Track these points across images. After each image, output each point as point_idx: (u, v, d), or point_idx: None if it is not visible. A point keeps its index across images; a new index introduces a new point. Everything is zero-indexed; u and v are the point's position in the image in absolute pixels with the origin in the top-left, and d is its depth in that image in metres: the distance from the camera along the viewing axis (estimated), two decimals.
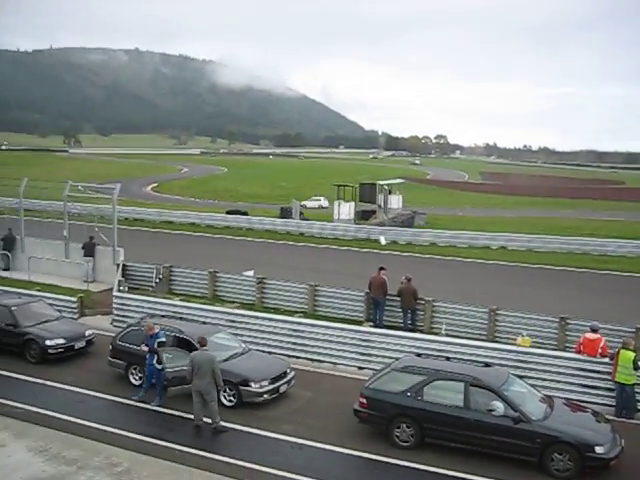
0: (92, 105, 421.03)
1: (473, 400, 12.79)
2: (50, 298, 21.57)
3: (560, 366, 15.87)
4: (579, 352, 16.18)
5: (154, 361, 14.93)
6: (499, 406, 12.46)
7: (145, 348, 15.15)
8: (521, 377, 14.65)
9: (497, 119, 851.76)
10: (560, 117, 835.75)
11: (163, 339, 15.24)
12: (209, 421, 13.70)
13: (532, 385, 14.27)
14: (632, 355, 14.68)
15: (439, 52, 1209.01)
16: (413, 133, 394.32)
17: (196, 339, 14.71)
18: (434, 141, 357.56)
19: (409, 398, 13.21)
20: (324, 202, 67.34)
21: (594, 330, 16.23)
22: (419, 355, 15.09)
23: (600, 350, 15.86)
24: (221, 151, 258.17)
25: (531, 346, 17.82)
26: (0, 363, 17.59)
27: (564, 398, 14.49)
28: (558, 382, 15.72)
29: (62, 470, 11.41)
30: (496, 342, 18.75)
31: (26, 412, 14.29)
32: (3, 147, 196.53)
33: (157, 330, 15.37)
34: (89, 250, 26.88)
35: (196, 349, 15.27)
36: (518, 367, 15.87)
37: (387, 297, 21.29)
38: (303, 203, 60.65)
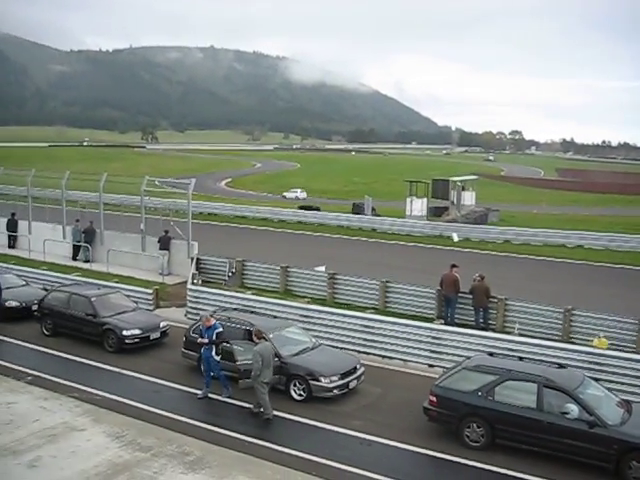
0: (168, 102, 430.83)
1: (546, 402, 12.50)
2: (127, 290, 22.25)
3: (638, 369, 15.31)
4: None
5: (213, 353, 15.20)
6: (573, 409, 12.14)
7: (204, 340, 15.37)
8: (597, 380, 14.20)
9: (575, 114, 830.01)
10: None
11: (220, 329, 15.42)
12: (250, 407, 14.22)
13: (609, 389, 13.83)
14: None
15: (513, 45, 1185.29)
16: (487, 129, 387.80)
17: (254, 332, 14.84)
18: (509, 137, 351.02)
19: (480, 397, 13.02)
20: (301, 194, 72.53)
21: None
22: (491, 354, 14.86)
23: None
24: (294, 147, 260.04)
25: (608, 348, 17.29)
26: (81, 351, 18.31)
27: None
28: (637, 386, 15.17)
29: (137, 456, 11.74)
30: (571, 343, 18.23)
31: (104, 399, 14.83)
32: (85, 143, 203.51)
33: (213, 322, 15.55)
34: (165, 243, 27.52)
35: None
36: (594, 369, 15.39)
37: (459, 295, 21.04)
38: (283, 194, 70.80)
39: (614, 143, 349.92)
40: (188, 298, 22.13)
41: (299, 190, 73.98)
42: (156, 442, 12.41)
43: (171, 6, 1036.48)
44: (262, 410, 13.97)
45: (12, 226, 32.99)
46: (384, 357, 18.18)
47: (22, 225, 33.09)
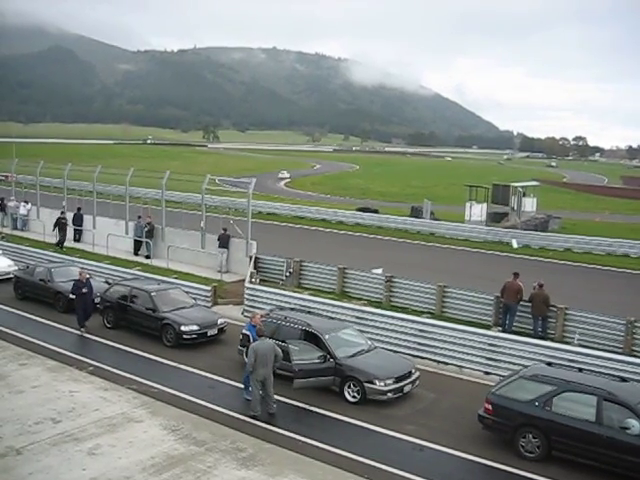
0: (231, 102, 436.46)
1: (606, 416, 12.18)
2: (186, 286, 22.65)
3: None
4: None
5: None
6: (635, 424, 11.81)
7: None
8: None
9: None
10: None
11: (247, 332, 15.51)
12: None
13: None
14: None
15: (576, 50, 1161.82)
16: (550, 134, 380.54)
17: (256, 330, 14.81)
18: (572, 143, 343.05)
19: (537, 408, 12.79)
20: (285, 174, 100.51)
21: None
22: (549, 364, 14.57)
23: None
24: (353, 148, 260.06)
25: None
26: (140, 345, 18.74)
27: None
28: None
29: (192, 450, 11.93)
30: (634, 356, 17.75)
31: (161, 392, 15.13)
32: (149, 141, 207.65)
33: (259, 320, 15.65)
34: (224, 242, 27.87)
35: (323, 344, 15.59)
36: None
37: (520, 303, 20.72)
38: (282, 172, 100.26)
39: None
40: (245, 296, 22.38)
41: (285, 171, 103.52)
42: (210, 437, 12.58)
43: (235, 7, 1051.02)
44: (275, 407, 14.12)
45: (78, 220, 33.94)
46: (439, 362, 18.04)
47: (87, 219, 34.00)
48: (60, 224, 32.54)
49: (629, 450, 11.76)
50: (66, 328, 20.21)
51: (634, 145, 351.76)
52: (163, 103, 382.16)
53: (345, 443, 12.96)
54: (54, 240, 32.32)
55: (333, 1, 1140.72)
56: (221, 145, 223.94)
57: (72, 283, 20.45)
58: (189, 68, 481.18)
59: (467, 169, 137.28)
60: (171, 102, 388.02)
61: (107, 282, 23.08)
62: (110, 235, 30.79)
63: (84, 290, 19.87)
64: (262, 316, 16.46)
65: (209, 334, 19.16)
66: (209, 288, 23.00)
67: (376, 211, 50.76)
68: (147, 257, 29.74)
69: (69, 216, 33.86)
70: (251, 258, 26.54)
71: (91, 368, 16.51)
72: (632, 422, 11.84)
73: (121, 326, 20.13)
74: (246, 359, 14.63)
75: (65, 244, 32.08)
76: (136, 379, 15.90)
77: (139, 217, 31.57)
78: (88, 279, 20.42)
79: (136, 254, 30.80)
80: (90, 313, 20.17)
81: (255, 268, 26.06)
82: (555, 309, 20.30)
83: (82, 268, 22.43)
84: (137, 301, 20.00)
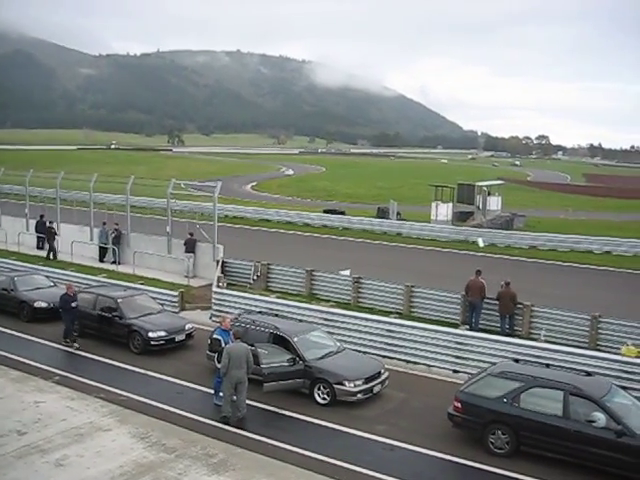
0: (195, 105, 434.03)
1: (573, 410, 12.37)
2: (153, 292, 22.45)
3: None
4: None
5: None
6: (600, 417, 12.00)
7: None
8: (625, 389, 14.04)
9: (602, 119, 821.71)
10: None
11: (217, 337, 15.29)
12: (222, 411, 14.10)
13: (637, 398, 13.64)
14: None
15: (540, 49, 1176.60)
16: (513, 133, 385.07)
17: (232, 333, 14.74)
18: (535, 142, 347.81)
19: (505, 404, 12.93)
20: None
21: None
22: (517, 361, 14.72)
23: None
24: (319, 150, 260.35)
25: (637, 356, 17.05)
26: (107, 352, 18.52)
27: None
28: None
29: (162, 457, 11.82)
30: (598, 351, 18.04)
31: (129, 400, 14.96)
32: (112, 146, 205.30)
33: (229, 324, 15.48)
34: (190, 246, 27.71)
35: (291, 347, 15.57)
36: (622, 378, 15.22)
37: (485, 301, 20.91)
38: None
39: None
40: (213, 301, 22.27)
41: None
42: (180, 443, 12.48)
43: (198, 11, 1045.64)
44: (244, 412, 14.05)
45: (41, 227, 33.39)
46: (408, 362, 18.13)
47: None
48: (50, 233, 31.64)
49: (595, 443, 11.95)
50: (31, 338, 19.86)
51: (595, 143, 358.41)
52: (126, 107, 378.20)
53: (316, 445, 12.95)
54: (17, 248, 31.78)
55: (296, 4, 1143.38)
56: (186, 149, 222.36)
57: (36, 292, 20.00)
58: (152, 72, 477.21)
59: (432, 169, 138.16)
60: (135, 106, 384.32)
61: None
62: (75, 242, 30.38)
63: (73, 305, 19.13)
64: (230, 320, 16.37)
65: (177, 340, 19.01)
66: (176, 293, 22.83)
67: (343, 213, 50.84)
68: (113, 263, 29.40)
69: (31, 223, 33.32)
70: (218, 262, 26.42)
71: (57, 378, 16.26)
72: (598, 415, 12.04)
73: (87, 334, 19.81)
74: (216, 364, 14.55)
75: (27, 252, 31.58)
76: (104, 387, 15.69)
77: (104, 223, 31.24)
78: (75, 293, 19.63)
79: (102, 261, 30.48)
80: (77, 327, 19.50)
81: (222, 272, 25.94)
82: (522, 306, 20.55)
83: (46, 276, 22.08)
84: (103, 308, 19.75)
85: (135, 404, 14.68)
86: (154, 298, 21.39)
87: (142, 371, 17.21)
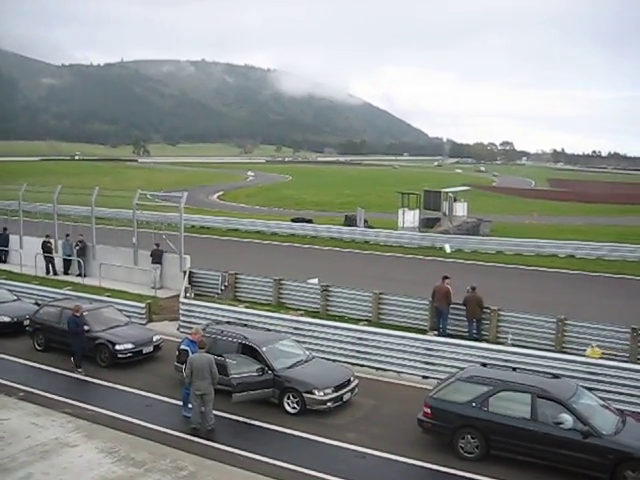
0: (160, 115, 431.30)
1: (540, 412, 12.50)
2: (119, 304, 22.17)
3: (632, 379, 15.31)
4: None
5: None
6: (567, 419, 12.15)
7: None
8: (591, 390, 14.21)
9: (565, 125, 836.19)
10: (631, 121, 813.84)
11: (185, 347, 15.17)
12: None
13: (603, 398, 13.84)
14: None
15: (504, 57, 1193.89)
16: (478, 140, 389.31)
17: (198, 343, 14.62)
18: (500, 148, 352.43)
19: (474, 409, 13.01)
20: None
21: None
22: (485, 365, 14.84)
23: None
24: (286, 159, 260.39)
25: (601, 357, 17.32)
26: (71, 365, 18.14)
27: (637, 412, 14.00)
28: (630, 396, 15.17)
29: (130, 472, 11.65)
30: (564, 353, 18.27)
31: (96, 414, 14.72)
32: (76, 157, 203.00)
33: (199, 336, 15.26)
34: (157, 257, 27.46)
35: (260, 356, 15.50)
36: (588, 379, 15.40)
37: (452, 306, 21.04)
38: None
39: (604, 153, 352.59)
40: (181, 312, 22.08)
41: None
42: (149, 457, 12.32)
43: (162, 20, 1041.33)
44: (212, 423, 13.94)
45: (3, 241, 32.85)
46: (378, 369, 18.16)
47: (13, 240, 32.98)
48: (47, 248, 30.52)
49: (563, 444, 12.09)
50: None
51: (558, 149, 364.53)
52: (90, 118, 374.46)
53: (287, 455, 12.88)
54: None
55: (260, 13, 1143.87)
56: (152, 159, 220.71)
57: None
58: (116, 82, 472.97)
59: (398, 176, 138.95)
60: (99, 117, 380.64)
61: (37, 303, 22.38)
62: (39, 255, 29.91)
63: (86, 327, 18.18)
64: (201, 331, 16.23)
65: (145, 352, 18.80)
66: (143, 305, 22.61)
67: (310, 221, 50.87)
68: (78, 276, 29.02)
69: None
70: (185, 273, 26.24)
71: (22, 394, 15.92)
72: (565, 417, 12.18)
73: (52, 348, 19.47)
74: (184, 374, 14.44)
75: None
76: (70, 402, 15.43)
77: (67, 235, 30.84)
78: (82, 314, 18.40)
79: (66, 273, 30.06)
80: (85, 352, 18.32)
81: (190, 283, 25.77)
82: (488, 311, 20.74)
83: (9, 290, 21.53)
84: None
85: (103, 418, 14.46)
86: (121, 310, 21.13)
87: (109, 384, 16.96)
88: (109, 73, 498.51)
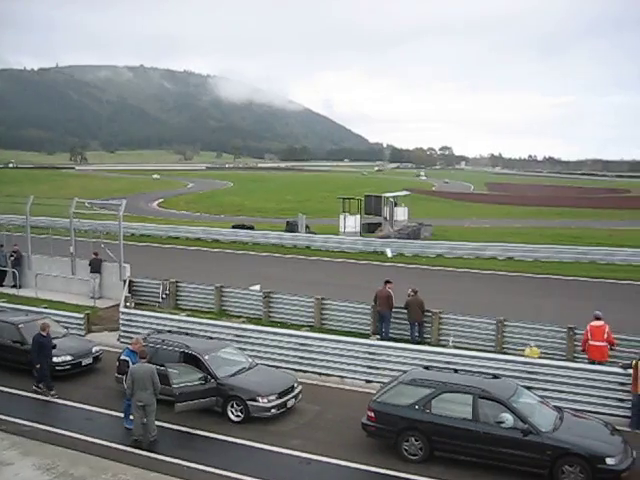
0: (98, 122, 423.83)
1: (482, 412, 12.71)
2: (57, 315, 21.61)
3: (569, 376, 15.74)
4: (586, 340, 17.45)
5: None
6: (508, 418, 12.39)
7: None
8: (530, 388, 14.54)
9: (502, 129, 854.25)
10: (565, 126, 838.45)
11: (125, 358, 14.91)
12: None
13: (541, 396, 14.17)
14: None
15: (441, 63, 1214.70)
16: (418, 145, 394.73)
17: (138, 353, 14.36)
18: (439, 152, 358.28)
19: (417, 411, 13.14)
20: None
21: (598, 318, 17.47)
22: (427, 368, 14.99)
23: (606, 335, 17.17)
24: (226, 165, 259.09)
25: (539, 357, 17.72)
26: (7, 381, 17.61)
27: (574, 409, 14.37)
28: (567, 393, 15.59)
29: None
30: (504, 353, 18.63)
31: (33, 430, 14.28)
32: (11, 165, 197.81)
33: (139, 346, 14.97)
34: (95, 266, 26.94)
35: (203, 365, 15.33)
36: (526, 378, 15.75)
37: (394, 310, 21.21)
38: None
39: (540, 157, 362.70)
40: (121, 322, 21.67)
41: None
42: (89, 471, 12.05)
43: (99, 25, 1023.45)
44: (154, 434, 13.74)
45: None
46: (321, 374, 18.17)
47: None
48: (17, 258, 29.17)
49: (504, 443, 12.32)
50: None
51: (496, 153, 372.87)
52: (25, 124, 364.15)
53: (231, 464, 12.77)
54: None
55: (198, 18, 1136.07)
56: (90, 167, 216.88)
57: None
58: (52, 87, 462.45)
59: (339, 182, 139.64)
60: (34, 123, 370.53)
61: None
62: None
63: (54, 344, 17.23)
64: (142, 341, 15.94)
65: (84, 364, 18.37)
66: (82, 315, 22.11)
67: (252, 227, 50.66)
68: (13, 287, 28.20)
69: None
70: (125, 282, 25.78)
71: None
72: (506, 416, 12.41)
73: None
74: (125, 385, 14.16)
75: None
76: (4, 418, 14.89)
77: (1, 245, 29.96)
78: (49, 333, 17.18)
79: (0, 285, 29.16)
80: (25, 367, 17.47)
81: (130, 292, 25.31)
82: (430, 314, 20.98)
83: (7, 313, 20.33)
84: (2, 335, 18.80)
85: (40, 434, 14.04)
86: (58, 321, 20.58)
87: (47, 398, 16.49)
88: (44, 78, 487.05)
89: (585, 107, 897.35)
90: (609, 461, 11.70)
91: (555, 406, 13.72)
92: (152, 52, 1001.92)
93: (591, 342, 17.41)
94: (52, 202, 31.33)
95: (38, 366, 16.63)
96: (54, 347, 17.16)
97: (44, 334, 16.89)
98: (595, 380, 15.52)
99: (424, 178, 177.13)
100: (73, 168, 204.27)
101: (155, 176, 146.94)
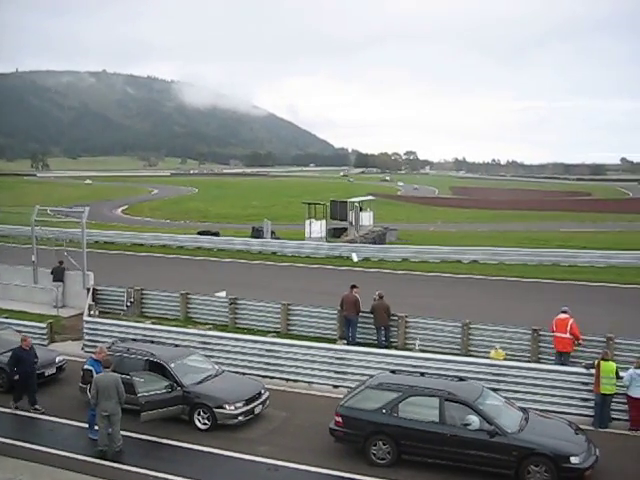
0: (60, 128, 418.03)
1: (448, 415, 12.80)
2: (19, 325, 21.17)
3: (534, 377, 15.96)
4: (553, 331, 18.39)
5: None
6: (474, 420, 12.49)
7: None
8: (495, 390, 14.68)
9: (466, 134, 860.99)
10: (527, 131, 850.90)
11: (89, 367, 14.77)
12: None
13: (507, 398, 14.31)
14: (614, 365, 14.97)
15: (406, 67, 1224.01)
16: (383, 150, 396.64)
17: (102, 361, 14.23)
18: (404, 157, 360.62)
19: (384, 415, 13.18)
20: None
21: (564, 312, 18.49)
22: (393, 372, 15.05)
23: (569, 328, 17.96)
24: (191, 172, 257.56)
25: (505, 359, 17.93)
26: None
27: (539, 410, 14.55)
28: (533, 394, 15.80)
29: None
30: (470, 356, 18.80)
31: None
32: None
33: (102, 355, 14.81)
34: (58, 275, 26.53)
35: (168, 373, 15.20)
36: (492, 380, 15.92)
37: (360, 314, 21.25)
38: None
39: (503, 161, 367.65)
40: (85, 331, 21.37)
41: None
42: None
43: (61, 29, 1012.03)
44: (120, 444, 13.57)
45: None
46: (288, 380, 18.14)
47: None
48: None
49: (471, 444, 12.43)
50: None
51: (460, 157, 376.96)
52: None
53: (199, 472, 12.68)
54: None
55: (162, 23, 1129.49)
56: (52, 174, 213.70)
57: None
58: (11, 93, 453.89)
59: (305, 187, 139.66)
60: None
61: None
62: None
63: (36, 360, 16.47)
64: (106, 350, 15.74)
65: (47, 374, 18.01)
66: (44, 325, 21.73)
67: (217, 234, 50.37)
68: None
69: None
70: (89, 290, 25.46)
71: None
72: (472, 418, 12.53)
73: None
74: (89, 396, 13.95)
75: None
76: None
77: None
78: (32, 346, 16.66)
79: None
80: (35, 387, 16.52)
81: (94, 300, 24.99)
82: (396, 318, 21.06)
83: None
84: None
85: (1, 447, 13.75)
86: (20, 331, 20.12)
87: (8, 411, 16.13)
88: (3, 83, 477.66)
89: (548, 112, 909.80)
90: (573, 460, 11.89)
91: (520, 407, 13.88)
92: (115, 57, 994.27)
93: (555, 334, 18.19)
94: (14, 210, 30.79)
95: (16, 377, 16.15)
96: (36, 362, 16.56)
97: (25, 347, 16.30)
98: (559, 380, 15.77)
99: (400, 184, 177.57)
100: (34, 175, 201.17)
101: (87, 181, 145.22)
